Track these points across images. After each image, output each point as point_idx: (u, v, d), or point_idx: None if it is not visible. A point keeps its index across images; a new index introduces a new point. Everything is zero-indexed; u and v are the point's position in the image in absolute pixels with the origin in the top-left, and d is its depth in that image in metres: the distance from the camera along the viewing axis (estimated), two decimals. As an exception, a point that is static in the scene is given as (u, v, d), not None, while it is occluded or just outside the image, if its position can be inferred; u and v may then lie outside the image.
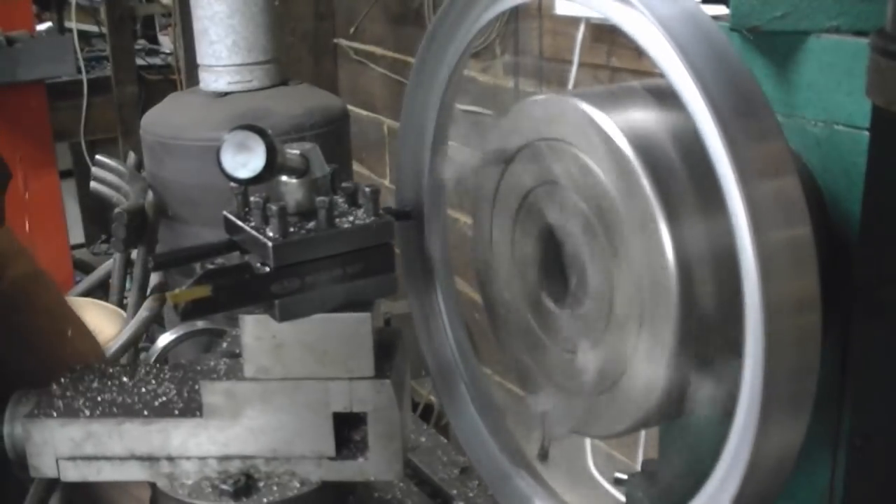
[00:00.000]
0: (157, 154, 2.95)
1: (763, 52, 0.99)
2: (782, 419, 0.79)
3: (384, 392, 1.04)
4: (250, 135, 0.92)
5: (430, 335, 1.25)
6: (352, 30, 4.19)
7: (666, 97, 0.87)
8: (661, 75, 0.82)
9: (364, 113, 4.16)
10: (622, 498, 1.32)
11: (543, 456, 3.13)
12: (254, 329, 1.03)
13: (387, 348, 1.09)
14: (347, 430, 1.08)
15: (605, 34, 2.66)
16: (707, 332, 0.88)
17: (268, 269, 0.98)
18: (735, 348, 0.79)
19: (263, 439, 1.07)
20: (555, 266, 1.03)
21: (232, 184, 0.98)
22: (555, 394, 1.06)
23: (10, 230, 1.52)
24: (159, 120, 2.99)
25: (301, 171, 1.01)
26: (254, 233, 1.00)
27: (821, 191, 0.95)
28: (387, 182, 4.04)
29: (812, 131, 0.95)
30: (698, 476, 0.86)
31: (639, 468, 1.30)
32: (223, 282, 0.97)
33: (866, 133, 0.90)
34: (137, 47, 5.13)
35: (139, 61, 4.90)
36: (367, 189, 1.03)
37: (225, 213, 1.05)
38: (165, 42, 5.42)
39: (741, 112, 0.78)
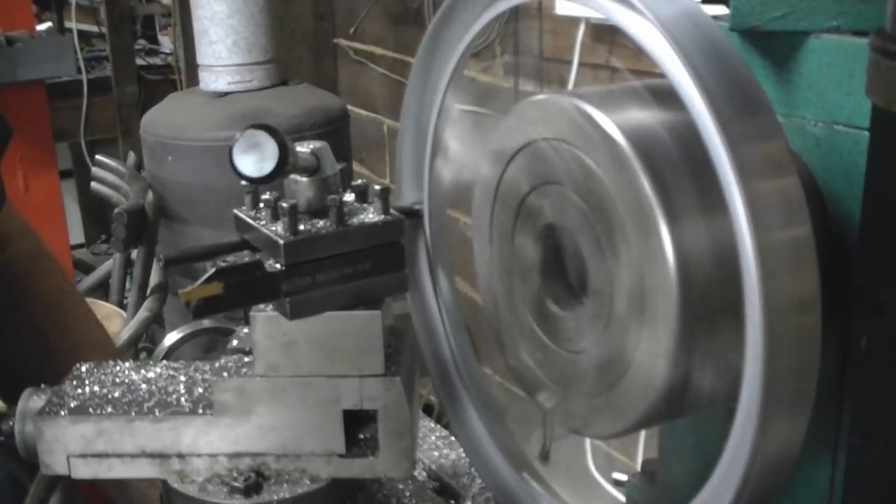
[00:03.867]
0: (157, 154, 2.95)
1: (763, 52, 0.99)
2: (782, 419, 0.79)
3: (394, 390, 1.04)
4: (262, 134, 0.93)
5: (430, 335, 1.25)
6: (352, 30, 4.19)
7: (666, 97, 0.87)
8: (661, 75, 0.82)
9: (364, 113, 4.16)
10: (622, 498, 1.32)
11: (544, 457, 3.13)
12: (264, 327, 1.04)
13: (397, 346, 1.09)
14: (357, 428, 1.09)
15: (605, 34, 2.66)
16: (707, 331, 0.88)
17: (279, 266, 0.98)
18: (735, 347, 0.79)
19: (274, 437, 1.08)
20: (555, 266, 1.03)
21: (243, 182, 0.98)
22: (555, 394, 1.06)
23: (13, 208, 1.49)
24: (159, 120, 2.99)
25: (312, 170, 1.01)
26: (265, 231, 1.00)
27: (821, 191, 0.95)
28: (387, 182, 4.04)
29: (812, 131, 0.95)
30: (698, 476, 0.86)
31: (639, 468, 1.31)
32: (234, 280, 0.97)
33: (866, 133, 0.90)
34: (137, 47, 5.13)
35: (139, 61, 4.91)
36: (377, 187, 1.04)
37: (235, 211, 1.06)
38: (165, 42, 5.42)
39: (741, 112, 0.78)
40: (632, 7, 0.82)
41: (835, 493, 0.98)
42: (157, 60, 5.17)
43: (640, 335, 0.90)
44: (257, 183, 0.96)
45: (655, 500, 1.24)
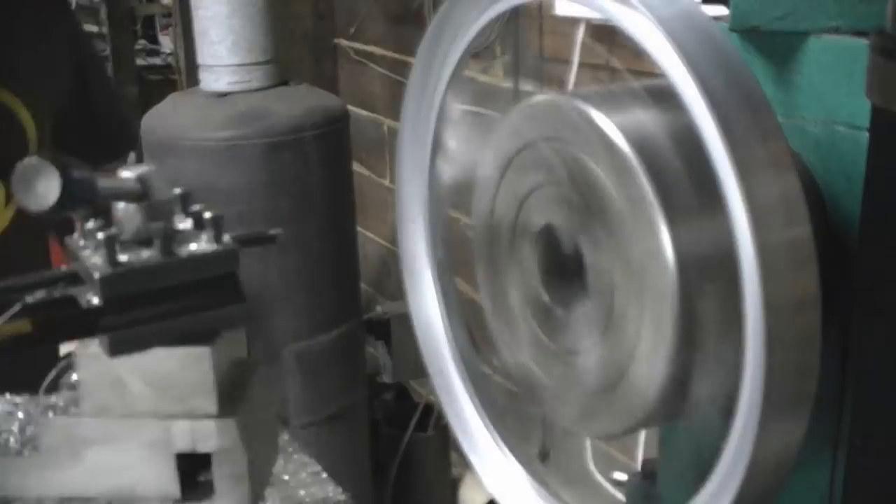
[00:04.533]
0: (157, 154, 2.95)
1: (763, 53, 0.99)
2: (782, 419, 0.79)
3: (228, 432, 0.99)
4: (44, 163, 0.87)
5: (430, 335, 1.25)
6: (352, 30, 4.19)
7: (666, 97, 0.87)
8: (661, 75, 0.82)
9: (364, 113, 4.16)
10: (622, 498, 1.32)
11: (544, 456, 3.13)
12: (88, 364, 0.99)
13: (241, 382, 1.04)
14: (198, 470, 1.04)
15: (605, 34, 2.66)
16: (707, 331, 0.88)
17: (97, 301, 0.92)
18: (735, 347, 0.79)
19: (104, 480, 1.02)
20: (555, 267, 1.03)
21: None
22: (555, 394, 1.06)
23: None
24: (159, 120, 2.98)
25: (137, 196, 0.95)
26: (84, 262, 0.94)
27: (821, 191, 0.95)
28: (387, 182, 4.04)
29: (812, 132, 0.95)
30: (698, 476, 0.86)
31: (639, 468, 1.31)
32: (44, 316, 0.91)
33: (866, 133, 0.90)
34: (137, 47, 5.13)
35: (139, 61, 4.91)
36: (208, 215, 0.98)
37: (66, 239, 0.99)
38: (165, 42, 5.42)
39: (741, 112, 0.78)
40: (632, 7, 0.82)
41: (835, 493, 0.98)
42: (157, 60, 5.18)
43: (640, 335, 0.90)
44: (42, 216, 0.89)
45: (655, 500, 1.24)
